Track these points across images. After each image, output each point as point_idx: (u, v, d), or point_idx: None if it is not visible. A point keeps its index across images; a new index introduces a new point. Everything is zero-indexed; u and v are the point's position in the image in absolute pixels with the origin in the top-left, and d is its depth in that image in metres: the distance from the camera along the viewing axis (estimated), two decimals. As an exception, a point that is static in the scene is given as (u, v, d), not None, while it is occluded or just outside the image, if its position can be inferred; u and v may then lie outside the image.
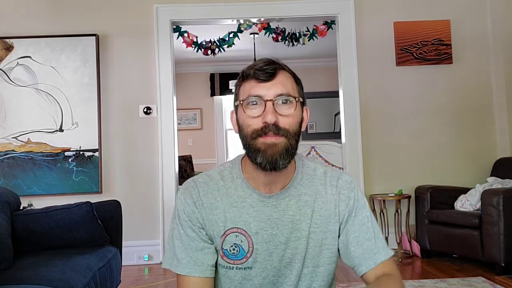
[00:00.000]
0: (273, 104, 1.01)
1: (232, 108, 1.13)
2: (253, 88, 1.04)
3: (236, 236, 1.09)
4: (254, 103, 1.03)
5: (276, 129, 1.01)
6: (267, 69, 1.03)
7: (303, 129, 1.09)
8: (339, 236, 1.12)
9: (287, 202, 1.09)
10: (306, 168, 1.14)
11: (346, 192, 1.13)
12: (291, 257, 1.09)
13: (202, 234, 1.10)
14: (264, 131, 1.01)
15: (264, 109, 1.01)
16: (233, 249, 1.09)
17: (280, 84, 1.03)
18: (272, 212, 1.09)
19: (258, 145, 1.02)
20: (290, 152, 1.03)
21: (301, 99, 1.07)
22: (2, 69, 3.63)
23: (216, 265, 1.12)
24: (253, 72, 1.04)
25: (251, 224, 1.08)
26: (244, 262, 1.09)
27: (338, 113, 4.34)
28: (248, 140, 1.04)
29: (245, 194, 1.10)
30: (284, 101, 1.03)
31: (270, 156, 1.01)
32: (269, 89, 1.02)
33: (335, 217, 1.11)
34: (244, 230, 1.08)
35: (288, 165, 1.05)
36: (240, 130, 1.07)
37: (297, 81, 1.09)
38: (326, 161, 4.64)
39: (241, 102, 1.05)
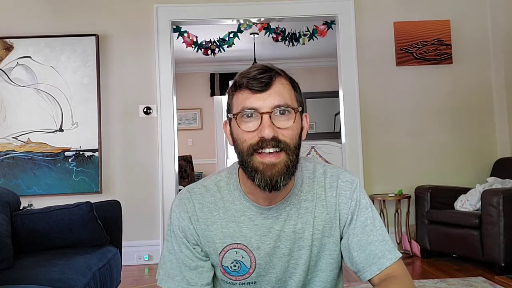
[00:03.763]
0: (270, 116, 0.93)
1: (225, 118, 1.04)
2: (247, 99, 0.95)
3: (237, 252, 1.03)
4: (249, 115, 0.95)
5: (275, 142, 0.93)
6: (261, 78, 0.94)
7: (303, 138, 1.01)
8: (341, 240, 1.07)
9: (288, 212, 1.03)
10: (306, 171, 1.08)
11: (347, 194, 1.05)
12: (295, 266, 1.05)
13: (197, 251, 1.05)
14: (261, 145, 0.93)
15: (260, 123, 0.93)
16: (234, 266, 1.04)
17: (277, 94, 0.95)
18: (273, 224, 1.03)
19: (256, 164, 0.94)
20: (291, 170, 0.96)
21: (300, 109, 0.99)
22: (2, 69, 3.63)
23: (218, 279, 1.09)
24: (246, 82, 0.95)
25: (251, 239, 1.03)
26: (247, 278, 1.05)
27: (338, 113, 4.34)
28: (245, 157, 0.96)
29: (244, 207, 1.04)
30: (282, 112, 0.95)
31: (269, 178, 0.94)
32: (264, 100, 0.94)
33: (336, 221, 1.05)
34: (245, 246, 1.03)
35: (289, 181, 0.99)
36: (235, 144, 0.99)
37: (295, 87, 1.01)
38: (326, 161, 4.64)
39: (235, 115, 0.97)
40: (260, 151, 0.94)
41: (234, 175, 1.07)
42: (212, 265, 1.07)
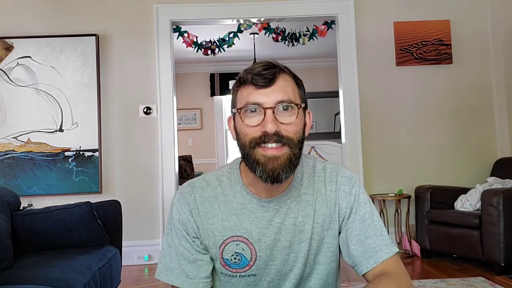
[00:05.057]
0: (273, 112, 0.95)
1: (230, 114, 1.06)
2: (251, 94, 0.97)
3: (237, 244, 1.04)
4: (253, 110, 0.96)
5: (278, 137, 0.94)
6: (265, 74, 0.96)
7: (306, 134, 1.02)
8: (339, 234, 1.09)
9: (288, 205, 1.05)
10: (306, 166, 1.10)
11: (346, 188, 1.07)
12: (294, 259, 1.06)
13: (196, 244, 1.06)
14: (263, 139, 0.95)
15: (264, 118, 0.95)
16: (235, 258, 1.05)
17: (280, 90, 0.96)
18: (274, 216, 1.04)
19: (257, 156, 0.96)
20: (293, 163, 0.97)
21: (303, 105, 1.00)
22: (2, 69, 3.63)
23: (217, 272, 1.09)
24: (251, 77, 0.97)
25: (252, 232, 1.04)
26: (247, 270, 1.06)
27: (338, 113, 4.34)
28: (247, 150, 0.97)
29: (245, 200, 1.05)
30: (285, 108, 0.96)
31: (270, 170, 0.95)
32: (268, 96, 0.96)
33: (335, 215, 1.07)
34: (246, 238, 1.04)
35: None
36: (238, 138, 1.01)
37: (299, 84, 1.03)
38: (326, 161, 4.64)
39: (239, 110, 0.98)
40: (262, 145, 0.96)
41: (235, 170, 1.09)
42: (211, 259, 1.08)
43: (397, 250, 1.06)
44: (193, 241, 1.06)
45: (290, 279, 1.08)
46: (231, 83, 6.62)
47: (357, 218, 1.06)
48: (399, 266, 1.04)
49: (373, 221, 1.07)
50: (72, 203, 2.15)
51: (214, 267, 1.09)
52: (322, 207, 1.07)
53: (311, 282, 1.10)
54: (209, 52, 5.19)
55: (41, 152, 3.60)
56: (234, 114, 1.03)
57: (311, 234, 1.06)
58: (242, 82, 1.00)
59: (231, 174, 1.09)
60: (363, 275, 1.05)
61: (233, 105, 1.03)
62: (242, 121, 0.98)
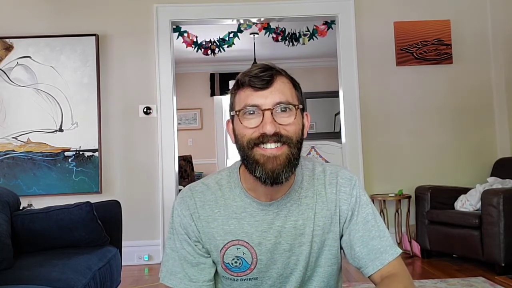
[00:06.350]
0: (271, 113, 0.96)
1: (228, 117, 1.06)
2: (249, 97, 0.98)
3: (238, 248, 1.04)
4: (251, 112, 0.97)
5: (277, 137, 0.95)
6: (263, 76, 0.97)
7: (304, 135, 1.03)
8: (341, 237, 1.09)
9: (288, 208, 1.05)
10: (305, 169, 1.10)
11: (347, 190, 1.07)
12: (295, 262, 1.06)
13: (198, 247, 1.07)
14: (262, 140, 0.95)
15: (262, 119, 0.96)
16: (235, 262, 1.05)
17: (278, 92, 0.97)
18: (274, 219, 1.04)
19: (256, 156, 0.96)
20: (292, 163, 0.98)
21: (301, 106, 1.01)
22: (2, 69, 3.63)
23: (219, 275, 1.10)
24: (249, 80, 0.98)
25: (253, 235, 1.04)
26: (248, 274, 1.06)
27: (338, 113, 4.34)
28: (245, 150, 0.98)
29: (245, 204, 1.05)
30: (283, 109, 0.97)
31: (270, 170, 0.95)
32: (266, 98, 0.96)
33: (336, 217, 1.07)
34: (246, 242, 1.04)
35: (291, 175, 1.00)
36: (237, 140, 1.01)
37: (296, 86, 1.04)
38: (326, 161, 4.63)
39: (237, 112, 0.99)
40: (262, 146, 0.96)
41: (235, 174, 1.09)
42: (213, 262, 1.08)
43: (400, 251, 1.07)
44: (195, 245, 1.06)
45: (292, 282, 1.07)
46: (231, 83, 6.62)
47: (359, 220, 1.07)
48: (403, 267, 1.05)
49: (376, 222, 1.07)
50: (72, 203, 2.15)
51: (216, 270, 1.09)
52: (323, 210, 1.07)
53: (312, 285, 1.10)
54: (209, 52, 5.19)
55: (41, 152, 3.60)
56: (232, 117, 1.03)
57: (311, 237, 1.05)
58: (240, 84, 1.01)
59: (230, 178, 1.09)
60: (369, 277, 1.06)
61: (232, 108, 1.03)
62: (241, 123, 0.98)
